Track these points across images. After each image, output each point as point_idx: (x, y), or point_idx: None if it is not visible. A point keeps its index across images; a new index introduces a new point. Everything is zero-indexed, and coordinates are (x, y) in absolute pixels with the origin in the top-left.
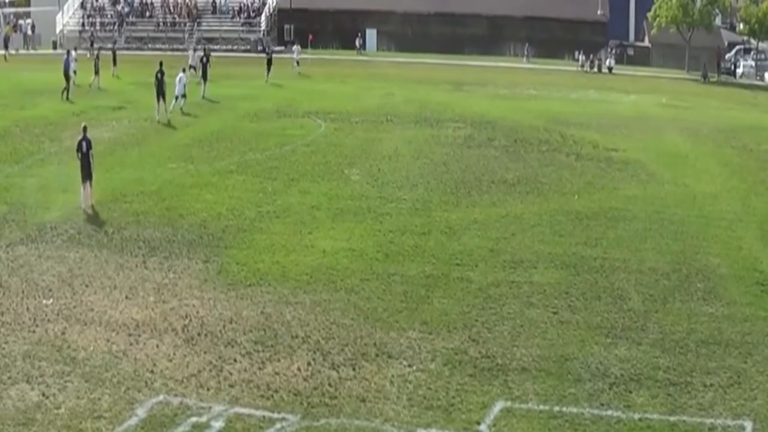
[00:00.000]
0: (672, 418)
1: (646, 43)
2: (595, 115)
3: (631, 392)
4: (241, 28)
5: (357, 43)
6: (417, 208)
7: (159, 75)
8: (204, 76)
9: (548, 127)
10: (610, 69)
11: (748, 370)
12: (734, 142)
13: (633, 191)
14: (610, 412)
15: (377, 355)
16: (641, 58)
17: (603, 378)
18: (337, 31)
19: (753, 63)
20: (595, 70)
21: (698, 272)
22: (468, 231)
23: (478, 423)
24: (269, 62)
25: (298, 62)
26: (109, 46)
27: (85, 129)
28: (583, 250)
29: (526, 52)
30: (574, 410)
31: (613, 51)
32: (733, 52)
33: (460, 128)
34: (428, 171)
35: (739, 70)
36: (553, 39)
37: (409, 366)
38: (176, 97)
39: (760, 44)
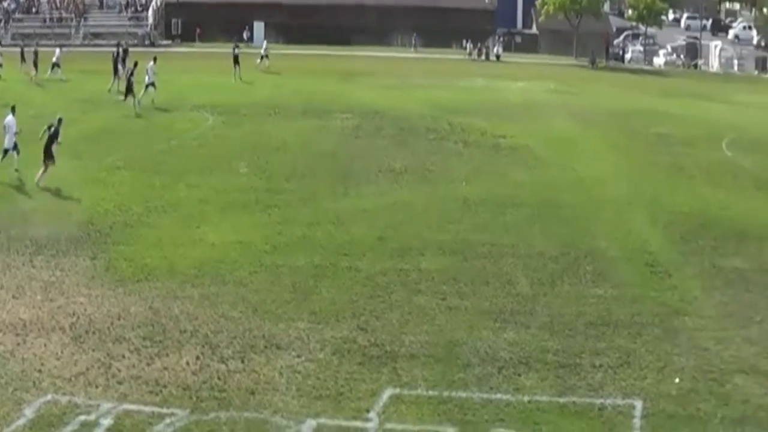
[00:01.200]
0: (562, 400)
1: (534, 30)
2: (483, 102)
3: (520, 375)
4: (128, 23)
5: (245, 36)
6: (305, 199)
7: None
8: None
9: (436, 115)
10: (497, 57)
11: (637, 350)
12: (622, 125)
13: (521, 177)
14: (499, 396)
15: (266, 347)
16: (529, 46)
17: (492, 362)
18: (225, 24)
19: (641, 48)
20: (483, 58)
21: (587, 255)
22: (356, 220)
23: (368, 411)
24: (236, 59)
25: (265, 56)
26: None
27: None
28: (471, 236)
29: (413, 42)
30: (463, 395)
31: (501, 39)
32: (621, 37)
33: (348, 119)
34: (316, 162)
35: (628, 55)
36: (440, 28)
37: (298, 356)
38: (146, 87)
39: (649, 29)
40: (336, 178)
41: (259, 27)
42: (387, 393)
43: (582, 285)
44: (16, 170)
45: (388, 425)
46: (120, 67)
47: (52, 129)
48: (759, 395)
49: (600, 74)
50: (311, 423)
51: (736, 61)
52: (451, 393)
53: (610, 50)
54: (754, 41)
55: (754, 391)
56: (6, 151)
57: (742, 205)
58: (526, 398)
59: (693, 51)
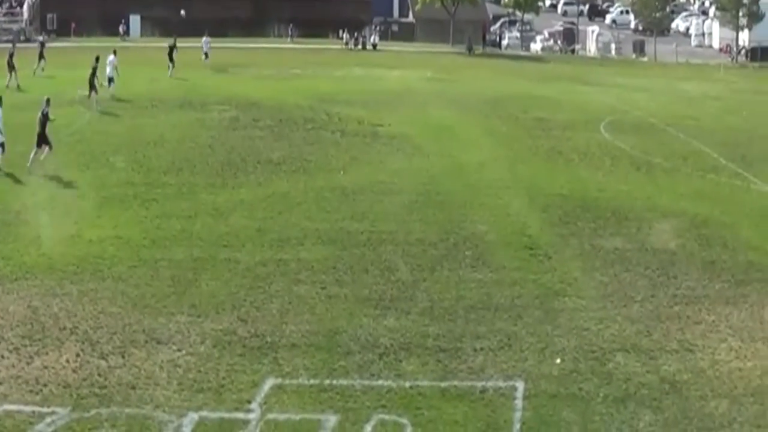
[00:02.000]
0: (443, 384)
1: (411, 19)
2: (361, 91)
3: (401, 361)
4: (3, 19)
5: (120, 30)
6: (183, 192)
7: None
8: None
9: (313, 105)
10: (374, 46)
11: (518, 332)
12: (500, 111)
13: (399, 165)
14: (380, 382)
15: (146, 342)
16: (406, 34)
17: (373, 349)
18: (101, 18)
19: (518, 34)
20: (360, 47)
21: (466, 240)
22: (234, 212)
23: (249, 402)
24: (171, 54)
25: (206, 54)
26: None
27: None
28: (350, 224)
29: (290, 32)
30: (345, 382)
31: (378, 28)
32: (498, 24)
33: (225, 111)
34: (194, 155)
35: (505, 42)
36: (317, 18)
37: (179, 350)
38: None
39: (525, 16)
40: (214, 171)
41: (135, 20)
42: (268, 383)
43: (462, 270)
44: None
45: (270, 416)
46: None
47: (44, 111)
48: (640, 373)
49: (477, 61)
50: (193, 416)
51: (613, 45)
52: (332, 381)
53: (487, 37)
54: (632, 25)
55: (636, 369)
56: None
57: (620, 186)
58: (407, 384)
59: (570, 36)
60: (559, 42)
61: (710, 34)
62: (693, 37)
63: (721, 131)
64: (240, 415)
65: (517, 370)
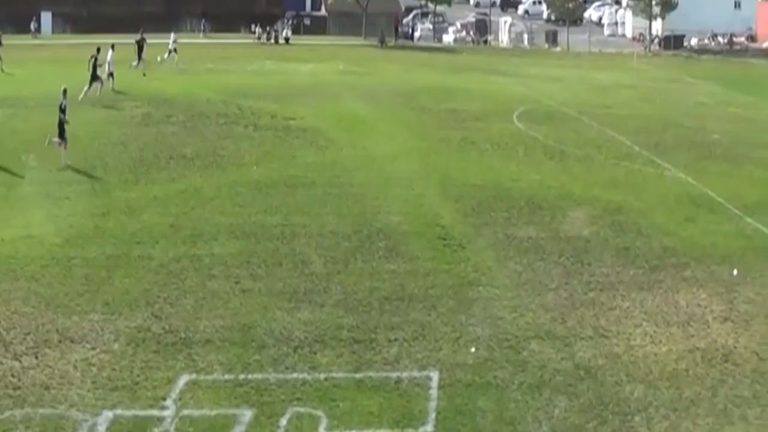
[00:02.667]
0: (358, 375)
1: (323, 12)
2: (273, 85)
3: (315, 353)
4: None
5: (32, 27)
6: (96, 190)
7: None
8: None
9: (226, 100)
10: (287, 39)
11: (432, 322)
12: (413, 103)
13: (312, 158)
14: (295, 375)
15: (60, 341)
16: (318, 28)
17: (287, 342)
18: (11, 15)
19: (431, 26)
20: (272, 41)
21: (379, 232)
22: (148, 208)
23: (164, 399)
24: (141, 49)
25: (173, 51)
26: None
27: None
28: (263, 218)
29: (202, 27)
30: (260, 376)
31: (290, 22)
32: (410, 16)
33: (137, 107)
34: (106, 152)
35: (417, 34)
36: (229, 12)
37: (93, 349)
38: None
39: (438, 7)
40: (127, 167)
41: (46, 17)
42: (183, 379)
43: (375, 261)
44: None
45: (185, 412)
46: None
47: (61, 103)
48: (555, 360)
49: (389, 53)
50: (108, 415)
51: (526, 36)
52: (247, 375)
53: (400, 29)
54: (544, 15)
55: (551, 356)
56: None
57: (533, 175)
58: (322, 376)
59: (483, 27)
60: (471, 33)
61: (623, 23)
62: (606, 27)
63: (634, 119)
64: (155, 412)
65: (431, 359)
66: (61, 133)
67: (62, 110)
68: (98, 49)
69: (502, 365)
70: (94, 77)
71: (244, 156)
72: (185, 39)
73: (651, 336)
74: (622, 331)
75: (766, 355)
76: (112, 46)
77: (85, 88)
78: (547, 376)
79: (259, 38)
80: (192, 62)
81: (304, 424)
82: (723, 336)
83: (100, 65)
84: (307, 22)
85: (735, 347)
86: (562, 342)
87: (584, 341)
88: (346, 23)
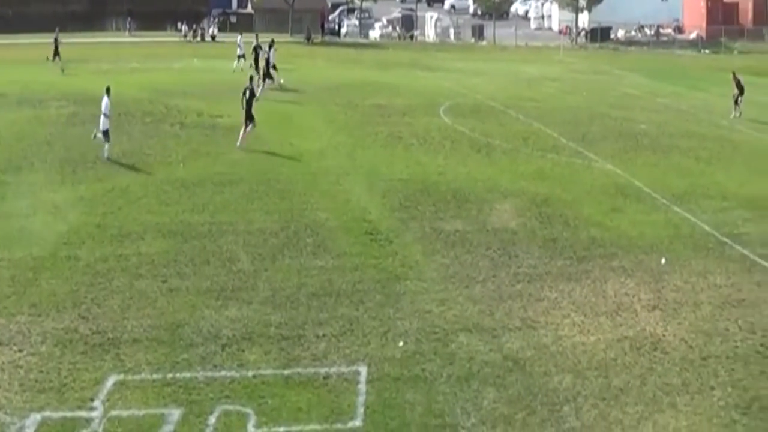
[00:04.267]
0: (286, 372)
1: (250, 9)
2: (200, 83)
3: (243, 351)
4: None
5: None
6: (22, 191)
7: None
8: None
9: (152, 98)
10: (213, 37)
11: (360, 317)
12: (340, 99)
13: (238, 155)
14: (223, 373)
15: None
16: (245, 25)
17: (215, 340)
18: None
19: (357, 22)
20: (199, 39)
21: (307, 227)
22: (74, 209)
23: (92, 400)
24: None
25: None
26: None
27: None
28: (190, 217)
29: (128, 26)
30: (188, 375)
31: (216, 19)
32: (336, 12)
33: (63, 107)
34: (32, 152)
35: (344, 30)
36: (155, 11)
37: (20, 351)
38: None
39: (364, 3)
40: (53, 168)
41: None
42: (111, 380)
43: (303, 257)
44: (108, 159)
45: (114, 412)
46: None
47: (249, 88)
48: (483, 352)
49: (316, 50)
50: (35, 417)
51: (452, 30)
52: (175, 374)
53: (326, 26)
54: (471, 10)
55: (479, 348)
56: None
57: (460, 168)
58: (250, 373)
59: (409, 22)
60: (397, 28)
61: (550, 16)
62: (532, 20)
63: (561, 111)
64: (83, 414)
65: (360, 354)
66: (249, 117)
67: (251, 93)
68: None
69: (431, 358)
70: None
71: (170, 154)
72: (111, 38)
73: (579, 326)
74: (550, 321)
75: (694, 343)
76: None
77: None
78: (475, 368)
79: (185, 36)
80: (118, 61)
81: (233, 421)
82: (651, 324)
83: None
84: (233, 19)
85: (663, 335)
86: (490, 334)
87: (512, 333)
88: (273, 20)
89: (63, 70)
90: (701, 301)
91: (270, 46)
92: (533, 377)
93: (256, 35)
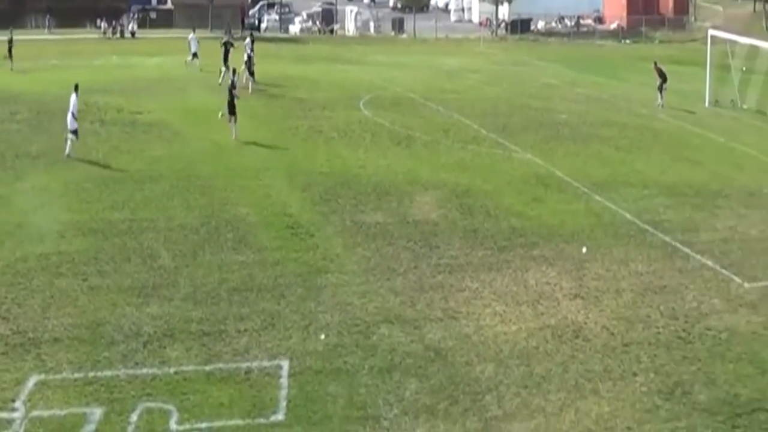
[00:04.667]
0: (208, 368)
1: (169, 5)
2: (119, 80)
3: (165, 348)
4: None
5: None
6: None
7: None
8: None
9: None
10: (133, 34)
11: (281, 311)
12: (259, 93)
13: (159, 151)
14: (145, 370)
15: None
16: (164, 21)
17: (136, 338)
18: None
19: (277, 17)
20: (119, 35)
21: (227, 223)
22: None
23: (13, 400)
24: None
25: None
26: None
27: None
28: (110, 214)
29: (47, 23)
30: (109, 373)
31: (136, 16)
32: (257, 7)
33: None
34: None
35: (264, 25)
36: (74, 8)
37: None
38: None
39: None
40: None
41: None
42: (32, 380)
43: (224, 253)
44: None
45: (35, 413)
46: None
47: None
48: (405, 343)
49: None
50: None
51: (372, 24)
52: (96, 373)
53: (246, 21)
54: (390, 3)
55: (400, 339)
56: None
57: (381, 161)
58: (172, 370)
59: (329, 16)
60: (318, 23)
61: (470, 8)
62: (452, 13)
63: (481, 103)
64: (4, 415)
65: (281, 348)
66: (232, 111)
67: (233, 86)
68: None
69: (352, 350)
70: None
71: (90, 152)
72: (30, 36)
73: (501, 315)
74: (472, 311)
75: (616, 330)
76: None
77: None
78: (397, 359)
79: (105, 33)
80: (37, 59)
81: (155, 419)
82: (573, 312)
83: None
84: (153, 15)
85: (585, 323)
86: (412, 325)
87: (434, 323)
88: (193, 16)
89: None
90: (623, 288)
91: (252, 41)
92: (455, 367)
93: (227, 31)
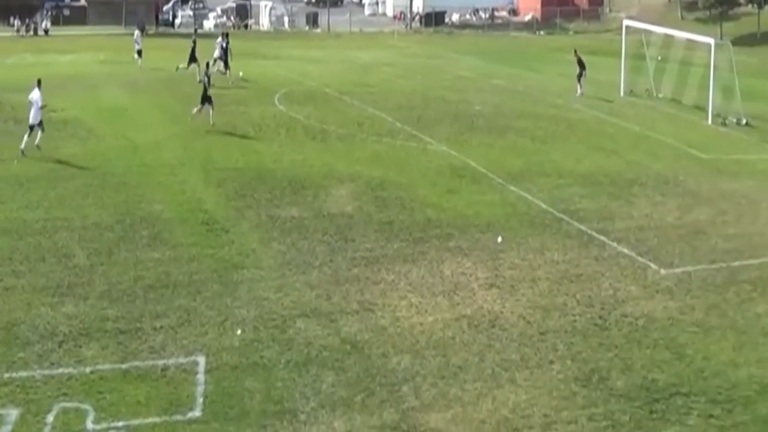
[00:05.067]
0: (124, 366)
1: (83, 2)
2: (33, 78)
3: (81, 347)
4: None
5: None
6: None
7: None
8: None
9: None
10: (46, 31)
11: (197, 307)
12: (174, 90)
13: (73, 149)
14: (61, 370)
15: None
16: (78, 18)
17: (52, 337)
18: None
19: (191, 13)
20: (32, 33)
21: (142, 220)
22: None
23: None
24: None
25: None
26: None
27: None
28: (24, 214)
29: None
30: (25, 374)
31: (49, 13)
32: (170, 3)
33: None
34: None
35: (178, 21)
36: None
37: None
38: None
39: None
40: None
41: None
42: None
43: (139, 250)
44: (38, 147)
45: None
46: None
47: (207, 73)
48: (321, 336)
49: (150, 41)
50: None
51: (286, 19)
52: (11, 374)
53: (160, 17)
54: None
55: (317, 333)
56: (32, 127)
57: (296, 155)
58: (88, 369)
59: (243, 12)
60: (232, 18)
61: (384, 2)
62: (367, 7)
63: (395, 96)
64: None
65: (198, 344)
66: (207, 100)
67: (208, 78)
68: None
69: (269, 345)
70: None
71: (3, 151)
72: None
73: (417, 307)
74: (388, 303)
75: (532, 319)
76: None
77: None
78: (313, 352)
79: (18, 31)
80: None
81: (71, 419)
82: (489, 302)
83: None
84: (66, 12)
85: (501, 312)
86: (328, 318)
87: (350, 316)
88: (106, 12)
89: None
90: (539, 277)
91: (225, 36)
92: (372, 359)
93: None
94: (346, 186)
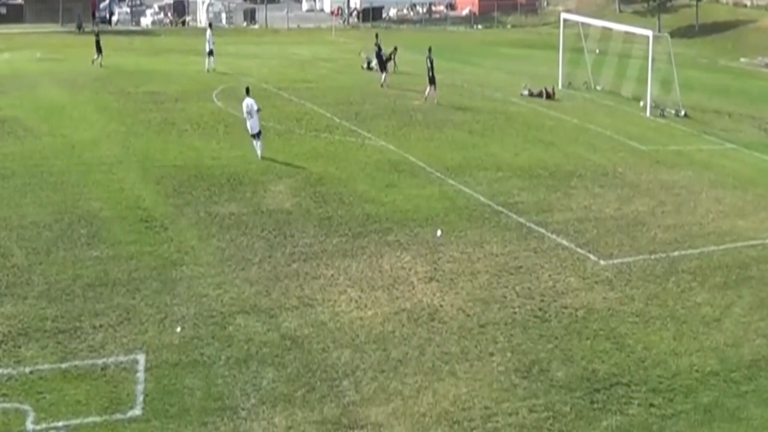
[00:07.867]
0: (64, 365)
1: (20, 0)
2: None
3: (20, 347)
4: None
5: None
6: None
7: None
8: None
9: None
10: None
11: (137, 305)
12: (112, 87)
13: (10, 148)
14: (0, 371)
15: None
16: (14, 16)
17: None
18: None
19: (128, 9)
20: None
21: (81, 219)
22: None
23: None
24: None
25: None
26: None
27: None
28: None
29: None
30: None
31: None
32: (107, 1)
33: None
34: None
35: (115, 17)
36: None
37: None
38: None
39: None
40: None
41: None
42: None
43: (78, 249)
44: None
45: None
46: None
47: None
48: (261, 332)
49: (87, 39)
50: None
51: (224, 15)
52: None
53: (97, 14)
54: None
55: (257, 329)
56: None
57: (234, 152)
58: (27, 369)
59: (181, 8)
60: (169, 15)
61: None
62: (304, 2)
63: (334, 91)
64: None
65: (137, 342)
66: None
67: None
68: None
69: (209, 342)
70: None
71: None
72: None
73: (356, 301)
74: (327, 298)
75: (472, 311)
76: None
77: None
78: (253, 349)
79: None
80: None
81: (11, 420)
82: (428, 296)
83: None
84: (2, 10)
85: (441, 306)
86: (267, 314)
87: (289, 312)
88: (43, 10)
89: None
90: (478, 270)
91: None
92: (312, 354)
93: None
94: (284, 182)
